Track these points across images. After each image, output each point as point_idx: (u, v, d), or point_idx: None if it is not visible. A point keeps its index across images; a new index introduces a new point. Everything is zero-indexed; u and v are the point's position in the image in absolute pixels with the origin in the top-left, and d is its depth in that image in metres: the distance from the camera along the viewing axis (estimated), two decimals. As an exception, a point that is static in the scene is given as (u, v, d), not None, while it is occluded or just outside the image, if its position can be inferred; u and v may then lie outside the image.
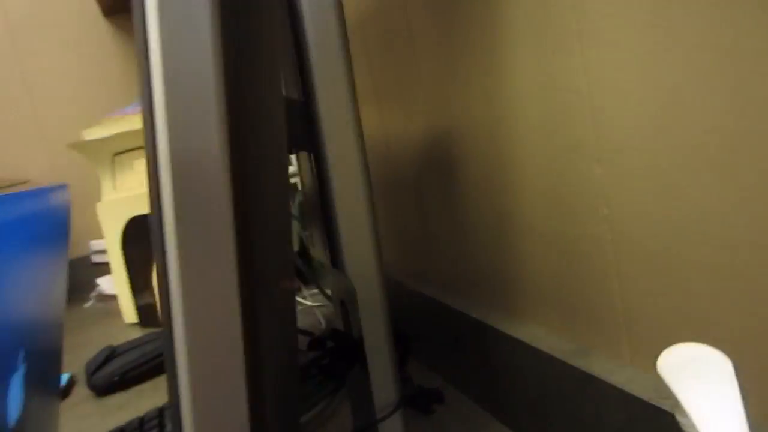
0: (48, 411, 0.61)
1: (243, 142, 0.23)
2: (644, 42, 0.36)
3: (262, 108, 0.26)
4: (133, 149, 1.25)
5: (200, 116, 0.22)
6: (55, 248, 0.60)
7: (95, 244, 1.73)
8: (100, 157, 1.23)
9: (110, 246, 1.24)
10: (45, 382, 0.59)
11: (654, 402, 0.38)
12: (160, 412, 0.70)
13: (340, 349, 0.56)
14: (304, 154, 0.54)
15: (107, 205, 1.21)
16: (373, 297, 0.50)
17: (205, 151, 0.22)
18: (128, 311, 1.26)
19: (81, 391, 0.93)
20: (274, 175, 0.29)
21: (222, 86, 0.22)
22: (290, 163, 1.11)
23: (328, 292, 0.96)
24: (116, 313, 1.37)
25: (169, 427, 0.69)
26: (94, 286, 1.62)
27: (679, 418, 0.23)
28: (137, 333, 1.17)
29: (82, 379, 0.97)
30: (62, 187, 0.65)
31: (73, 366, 1.03)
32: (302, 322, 1.03)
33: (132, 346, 0.97)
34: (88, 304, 1.54)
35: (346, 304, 0.55)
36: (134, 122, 1.23)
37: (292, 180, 1.12)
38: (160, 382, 0.91)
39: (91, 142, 1.20)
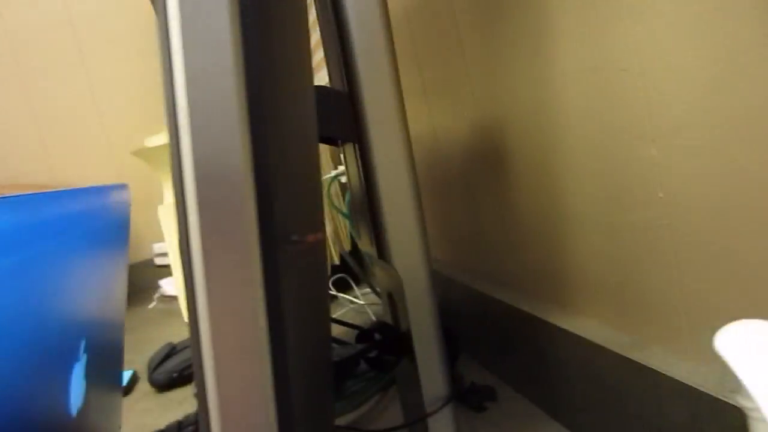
0: (110, 404, 0.63)
1: (265, 135, 0.23)
2: (698, 13, 0.34)
3: (286, 101, 0.26)
4: (191, 154, 1.29)
5: (221, 113, 0.22)
6: (116, 244, 0.62)
7: (158, 247, 1.80)
8: (161, 162, 1.28)
9: (171, 248, 1.28)
10: (106, 375, 0.61)
11: (720, 396, 0.36)
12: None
13: (388, 342, 0.55)
14: (350, 148, 0.54)
15: (168, 209, 1.25)
16: (420, 287, 0.49)
17: (227, 146, 0.22)
18: (188, 311, 1.30)
19: (143, 387, 0.96)
20: (300, 164, 0.29)
21: (242, 77, 0.22)
22: (340, 163, 1.12)
23: (379, 289, 0.96)
24: (178, 313, 1.42)
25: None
26: (156, 287, 1.68)
27: (741, 401, 0.21)
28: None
29: (144, 375, 1.00)
30: (122, 186, 0.67)
31: (136, 363, 1.07)
32: (354, 320, 1.03)
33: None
34: (151, 305, 1.60)
35: (393, 296, 0.55)
36: (191, 128, 1.27)
37: (343, 178, 1.13)
38: (217, 379, 0.93)
39: (152, 148, 1.25)
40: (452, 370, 0.57)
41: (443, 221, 0.85)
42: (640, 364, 0.43)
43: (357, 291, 1.16)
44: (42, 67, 1.78)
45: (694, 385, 0.38)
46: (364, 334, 0.57)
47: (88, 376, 0.52)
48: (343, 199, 1.14)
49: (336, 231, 1.16)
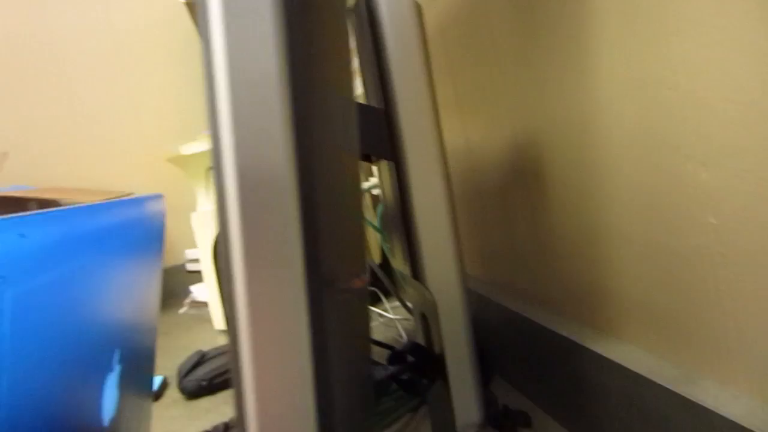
0: (141, 411, 0.63)
1: (309, 151, 0.22)
2: (753, 31, 0.32)
3: (330, 116, 0.25)
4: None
5: (265, 128, 0.22)
6: (150, 254, 0.62)
7: (190, 253, 1.82)
8: (195, 170, 1.29)
9: (203, 255, 1.29)
10: (138, 383, 0.61)
11: (776, 438, 0.34)
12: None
13: (420, 364, 0.54)
14: (385, 164, 0.53)
15: (201, 216, 1.27)
16: (454, 310, 0.48)
17: (271, 159, 0.22)
18: (218, 318, 1.31)
19: (172, 393, 0.97)
20: (342, 179, 0.28)
21: (288, 94, 0.22)
22: (372, 175, 1.11)
23: (410, 305, 0.95)
24: (208, 319, 1.43)
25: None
26: (188, 293, 1.70)
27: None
28: (226, 340, 1.21)
29: (174, 381, 1.01)
30: (158, 196, 0.68)
31: (166, 369, 1.07)
32: (383, 335, 1.02)
33: (219, 352, 1.00)
34: (182, 310, 1.62)
35: (427, 317, 0.54)
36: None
37: (375, 191, 1.12)
38: (246, 389, 0.93)
39: (187, 156, 1.26)
40: (485, 392, 0.55)
41: (477, 236, 0.83)
42: (689, 399, 0.40)
43: (386, 304, 1.15)
44: (84, 73, 1.83)
45: (750, 427, 0.35)
46: (396, 354, 0.56)
47: (121, 385, 0.53)
48: (374, 212, 1.14)
49: (367, 243, 1.15)
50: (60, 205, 1.56)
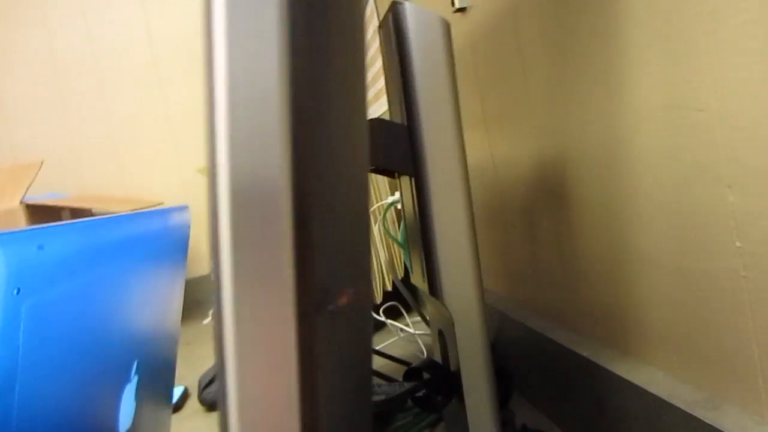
0: (159, 422, 0.64)
1: (309, 164, 0.22)
2: (787, 51, 0.31)
3: (334, 133, 0.25)
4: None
5: (263, 139, 0.22)
6: (173, 265, 0.63)
7: (216, 264, 1.84)
8: (222, 182, 1.31)
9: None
10: (157, 394, 0.62)
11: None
12: None
13: (436, 382, 0.53)
14: (406, 181, 0.53)
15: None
16: (471, 328, 0.47)
17: (267, 173, 0.22)
18: (241, 329, 1.31)
19: (193, 404, 0.98)
20: (346, 195, 0.28)
21: (288, 104, 0.22)
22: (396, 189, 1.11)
23: (429, 321, 0.94)
24: (231, 330, 1.44)
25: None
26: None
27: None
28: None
29: (195, 392, 1.02)
30: (183, 208, 0.69)
31: (187, 379, 1.08)
32: (404, 350, 1.02)
33: (241, 363, 1.01)
34: (207, 320, 1.63)
35: (444, 333, 0.53)
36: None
37: (399, 205, 1.13)
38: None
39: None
40: (503, 411, 0.54)
41: (500, 253, 0.82)
42: (710, 425, 0.39)
43: (408, 319, 1.14)
44: (120, 84, 1.88)
45: (773, 457, 0.34)
46: (412, 371, 0.55)
47: (139, 396, 0.53)
48: (399, 226, 1.14)
49: (390, 258, 1.15)
50: (92, 214, 1.60)
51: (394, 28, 0.48)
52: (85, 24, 1.86)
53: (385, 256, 1.13)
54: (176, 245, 0.64)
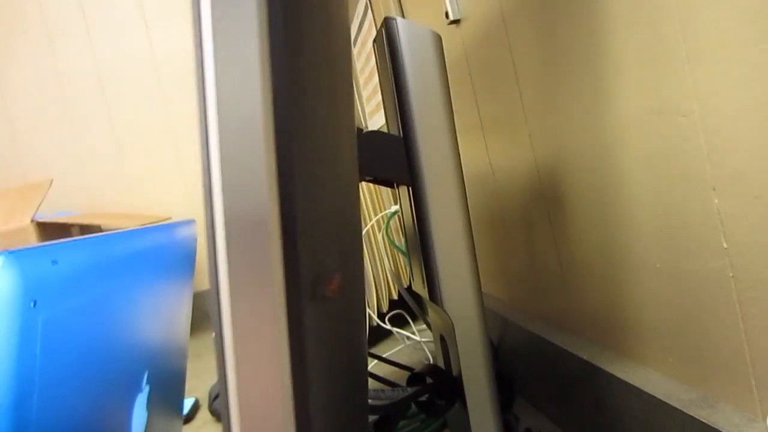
0: (170, 431, 0.65)
1: (293, 177, 0.24)
2: (760, 57, 0.33)
3: (320, 147, 0.27)
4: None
5: (250, 163, 0.23)
6: (181, 277, 0.65)
7: (224, 277, 1.85)
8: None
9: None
10: (168, 404, 0.63)
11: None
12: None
13: (438, 386, 0.55)
14: (404, 191, 0.55)
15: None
16: (471, 333, 0.48)
17: (254, 184, 0.23)
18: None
19: (204, 415, 0.99)
20: (333, 205, 0.29)
21: (271, 120, 0.23)
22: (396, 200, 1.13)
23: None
24: (240, 342, 1.45)
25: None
26: (222, 316, 1.72)
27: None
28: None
29: (206, 403, 1.03)
30: (190, 222, 0.71)
31: (198, 391, 1.10)
32: (410, 357, 1.03)
33: (250, 373, 1.02)
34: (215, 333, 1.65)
35: (445, 339, 0.54)
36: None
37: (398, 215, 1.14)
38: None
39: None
40: (506, 414, 0.55)
41: (499, 257, 0.84)
42: (706, 423, 0.40)
43: (414, 327, 1.15)
44: (126, 103, 1.92)
45: (763, 451, 0.35)
46: (415, 376, 0.56)
47: (150, 406, 0.55)
48: (402, 235, 1.15)
49: (396, 267, 1.16)
50: (102, 230, 1.63)
51: (387, 43, 0.50)
52: (90, 46, 1.90)
53: (390, 266, 1.15)
54: (184, 258, 0.66)
